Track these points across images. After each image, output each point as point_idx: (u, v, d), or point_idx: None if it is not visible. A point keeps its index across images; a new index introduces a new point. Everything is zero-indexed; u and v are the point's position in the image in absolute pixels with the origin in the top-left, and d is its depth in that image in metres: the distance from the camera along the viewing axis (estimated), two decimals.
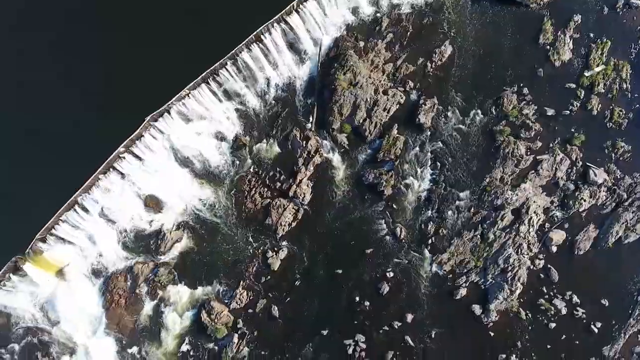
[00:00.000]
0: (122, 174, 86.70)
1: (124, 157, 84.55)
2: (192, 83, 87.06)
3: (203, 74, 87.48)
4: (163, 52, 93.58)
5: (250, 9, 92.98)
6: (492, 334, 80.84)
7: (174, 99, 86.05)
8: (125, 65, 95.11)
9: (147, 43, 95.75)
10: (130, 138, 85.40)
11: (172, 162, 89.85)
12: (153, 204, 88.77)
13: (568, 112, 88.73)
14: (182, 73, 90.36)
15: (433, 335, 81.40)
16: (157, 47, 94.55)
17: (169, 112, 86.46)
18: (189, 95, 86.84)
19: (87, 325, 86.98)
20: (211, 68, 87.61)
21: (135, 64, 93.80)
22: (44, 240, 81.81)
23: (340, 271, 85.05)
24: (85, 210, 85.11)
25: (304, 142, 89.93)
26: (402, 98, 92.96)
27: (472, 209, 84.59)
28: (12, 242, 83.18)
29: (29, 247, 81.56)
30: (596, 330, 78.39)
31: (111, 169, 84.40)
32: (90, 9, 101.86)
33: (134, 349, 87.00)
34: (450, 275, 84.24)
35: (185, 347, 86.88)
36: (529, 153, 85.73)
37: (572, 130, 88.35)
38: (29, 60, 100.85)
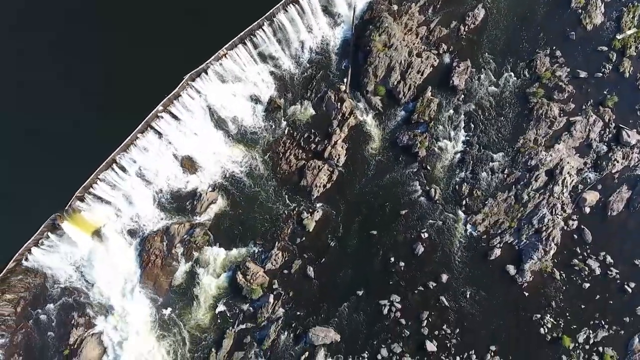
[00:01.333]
0: (159, 133, 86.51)
1: (161, 117, 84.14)
2: (230, 43, 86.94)
3: (241, 34, 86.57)
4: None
5: None
6: (526, 294, 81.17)
7: (211, 58, 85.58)
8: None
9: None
10: (168, 97, 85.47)
11: (208, 123, 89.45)
12: (189, 165, 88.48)
13: (600, 74, 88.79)
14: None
15: (468, 296, 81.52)
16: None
17: (206, 72, 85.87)
18: (226, 55, 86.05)
19: (123, 286, 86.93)
20: (248, 28, 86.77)
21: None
22: (82, 199, 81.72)
23: (374, 232, 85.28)
24: (123, 169, 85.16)
25: (339, 104, 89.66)
26: (435, 61, 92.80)
27: (506, 170, 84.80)
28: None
29: (68, 205, 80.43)
30: (630, 290, 78.78)
31: (149, 128, 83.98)
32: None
33: (169, 310, 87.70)
34: (485, 236, 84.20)
35: (220, 308, 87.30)
36: (562, 115, 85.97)
37: (605, 92, 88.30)
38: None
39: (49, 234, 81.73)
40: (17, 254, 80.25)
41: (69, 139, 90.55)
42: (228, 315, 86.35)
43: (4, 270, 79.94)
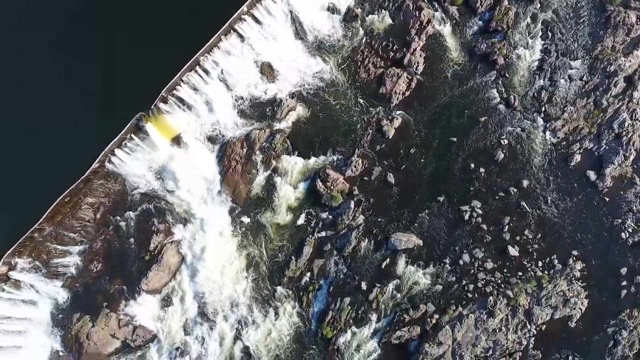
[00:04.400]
0: (242, 37, 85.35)
1: (244, 20, 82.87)
2: None
3: None
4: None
5: None
6: (607, 199, 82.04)
7: None
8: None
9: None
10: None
11: (288, 30, 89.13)
12: (268, 72, 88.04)
13: None
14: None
15: (549, 201, 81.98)
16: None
17: None
18: None
19: (203, 193, 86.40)
20: None
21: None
22: (165, 101, 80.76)
23: (454, 139, 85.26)
24: (206, 71, 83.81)
25: (417, 12, 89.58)
26: None
27: (585, 77, 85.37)
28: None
29: (152, 104, 79.39)
30: None
31: (232, 31, 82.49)
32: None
33: (248, 219, 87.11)
34: (564, 142, 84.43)
35: (299, 217, 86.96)
36: (639, 22, 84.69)
37: None
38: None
39: (133, 135, 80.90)
40: (101, 154, 78.57)
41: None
42: (307, 223, 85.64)
43: (88, 171, 78.09)
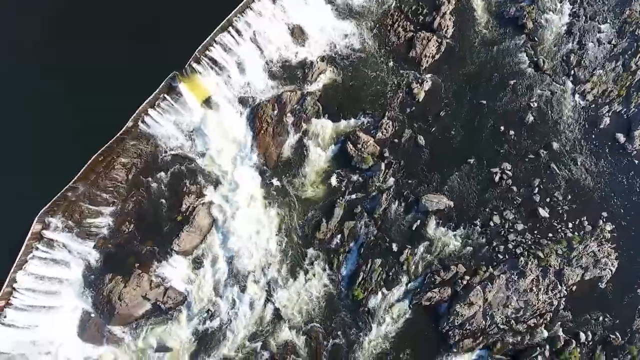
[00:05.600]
0: None
1: None
2: None
3: None
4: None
5: None
6: (636, 161, 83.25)
7: None
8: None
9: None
10: None
11: None
12: (299, 35, 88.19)
13: None
14: None
15: (578, 163, 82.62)
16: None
17: None
18: None
19: (234, 154, 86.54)
20: None
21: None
22: (198, 61, 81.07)
23: (484, 102, 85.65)
24: (238, 32, 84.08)
25: None
26: None
27: (613, 40, 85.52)
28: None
29: (186, 64, 79.54)
30: None
31: None
32: None
33: (278, 181, 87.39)
34: (593, 105, 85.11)
35: (329, 179, 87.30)
36: None
37: None
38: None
39: (166, 95, 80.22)
40: (135, 114, 78.33)
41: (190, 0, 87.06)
42: (337, 185, 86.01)
43: (122, 130, 77.90)
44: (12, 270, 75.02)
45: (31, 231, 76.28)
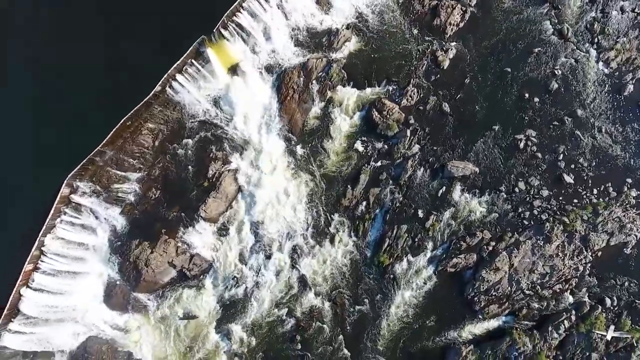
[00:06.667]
0: None
1: None
2: None
3: None
4: None
5: None
6: None
7: None
8: None
9: None
10: None
11: None
12: (324, 2, 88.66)
13: None
14: None
15: (603, 130, 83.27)
16: None
17: None
18: None
19: (260, 121, 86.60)
20: None
21: None
22: (225, 26, 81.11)
23: (508, 69, 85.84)
24: None
25: None
26: None
27: (637, 8, 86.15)
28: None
29: (214, 29, 79.67)
30: None
31: None
32: None
33: (304, 148, 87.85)
34: (617, 73, 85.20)
35: (354, 146, 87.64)
36: None
37: None
38: None
39: (193, 60, 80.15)
40: (163, 78, 78.28)
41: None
42: (363, 153, 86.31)
43: (150, 94, 78.00)
44: (40, 234, 73.80)
45: (60, 195, 75.33)
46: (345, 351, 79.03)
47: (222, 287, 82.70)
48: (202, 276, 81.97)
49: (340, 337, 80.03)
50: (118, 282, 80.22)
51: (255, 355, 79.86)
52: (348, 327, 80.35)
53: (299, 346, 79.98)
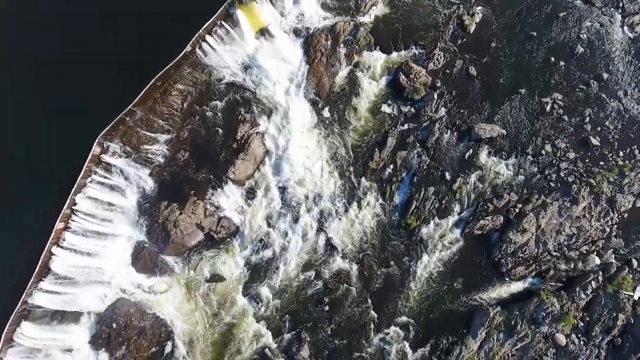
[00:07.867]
0: None
1: None
2: None
3: None
4: None
5: None
6: None
7: None
8: None
9: None
10: None
11: None
12: None
13: None
14: None
15: (629, 94, 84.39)
16: None
17: None
18: None
19: (288, 84, 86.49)
20: None
21: None
22: None
23: (534, 33, 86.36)
24: None
25: None
26: None
27: None
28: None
29: None
30: None
31: None
32: None
33: (330, 112, 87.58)
34: None
35: (382, 110, 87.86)
36: None
37: None
38: None
39: (223, 22, 79.98)
40: (193, 38, 78.45)
41: None
42: (390, 116, 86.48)
43: (181, 54, 78.04)
44: (72, 192, 73.86)
45: (91, 153, 75.19)
46: (373, 313, 79.02)
47: (249, 250, 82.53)
48: (229, 239, 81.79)
49: (368, 299, 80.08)
50: (146, 245, 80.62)
51: (282, 318, 79.11)
52: (375, 290, 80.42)
53: (327, 308, 79.74)
